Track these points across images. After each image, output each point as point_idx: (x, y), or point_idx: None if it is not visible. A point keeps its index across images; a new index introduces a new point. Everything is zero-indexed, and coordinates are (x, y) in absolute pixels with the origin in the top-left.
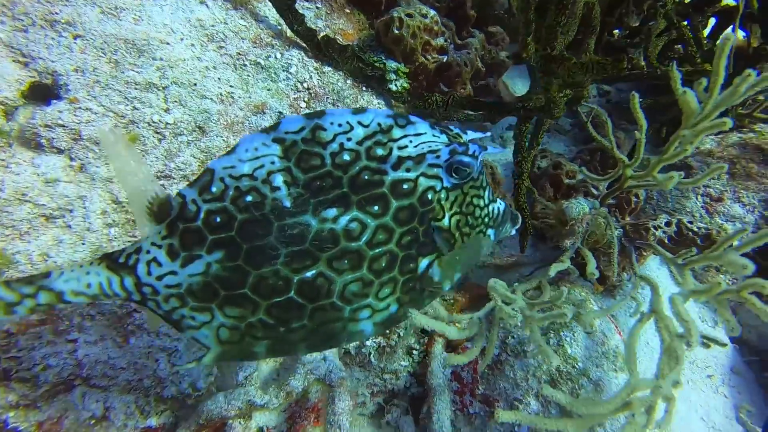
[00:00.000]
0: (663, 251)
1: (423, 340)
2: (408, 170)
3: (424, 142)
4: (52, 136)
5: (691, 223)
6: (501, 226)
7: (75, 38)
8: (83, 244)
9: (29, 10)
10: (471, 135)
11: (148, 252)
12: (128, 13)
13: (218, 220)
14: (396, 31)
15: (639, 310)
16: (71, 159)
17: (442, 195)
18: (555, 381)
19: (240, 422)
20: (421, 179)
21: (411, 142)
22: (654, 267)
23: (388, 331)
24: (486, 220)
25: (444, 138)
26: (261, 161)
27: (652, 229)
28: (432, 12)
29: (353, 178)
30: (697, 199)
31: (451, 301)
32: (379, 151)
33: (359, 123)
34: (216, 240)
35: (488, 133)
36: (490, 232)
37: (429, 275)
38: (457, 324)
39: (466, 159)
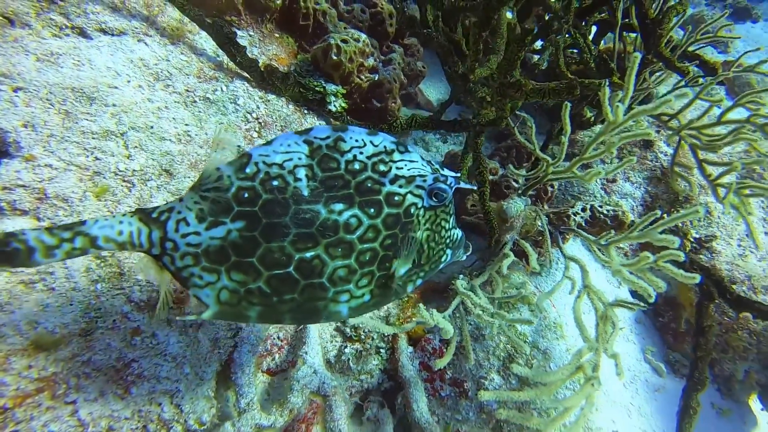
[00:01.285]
0: (586, 234)
1: (388, 338)
2: (400, 186)
3: (415, 168)
4: (12, 198)
5: (600, 207)
6: (456, 250)
7: (15, 91)
8: (71, 304)
9: None
10: (446, 172)
11: (179, 212)
12: (66, 58)
13: (246, 195)
14: (334, 57)
15: (575, 286)
16: (39, 219)
17: (421, 212)
18: (512, 357)
19: None
20: (409, 195)
21: (405, 165)
22: (571, 249)
23: (363, 336)
24: (447, 241)
25: (429, 168)
26: (291, 155)
27: (572, 215)
28: (363, 36)
29: (359, 184)
30: (596, 182)
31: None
32: (382, 167)
33: (371, 142)
34: (241, 211)
35: (458, 174)
36: (448, 251)
37: (401, 275)
38: (428, 319)
39: (444, 187)
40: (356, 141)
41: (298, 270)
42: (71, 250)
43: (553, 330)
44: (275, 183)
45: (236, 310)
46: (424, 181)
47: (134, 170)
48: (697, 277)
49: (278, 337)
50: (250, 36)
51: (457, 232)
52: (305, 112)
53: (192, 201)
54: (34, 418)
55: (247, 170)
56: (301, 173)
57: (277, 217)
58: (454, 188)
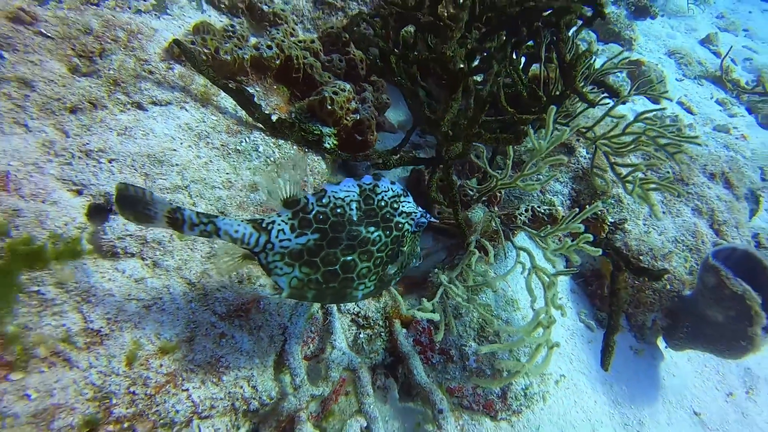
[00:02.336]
0: (529, 229)
1: (386, 323)
2: (403, 218)
3: (410, 206)
4: (124, 245)
5: (539, 207)
6: (417, 260)
7: (110, 162)
8: (178, 320)
9: (66, 146)
10: (422, 211)
11: (279, 225)
12: (136, 130)
13: (321, 217)
14: (329, 107)
15: (525, 268)
16: (143, 259)
17: (408, 235)
18: (483, 327)
19: (302, 413)
20: (406, 224)
21: (406, 205)
22: (520, 240)
23: (372, 323)
24: (415, 253)
25: (415, 207)
26: (349, 193)
27: (517, 216)
28: (347, 86)
29: (383, 215)
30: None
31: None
32: (395, 205)
33: (392, 189)
34: (317, 227)
35: (432, 219)
36: (414, 260)
37: (390, 274)
38: (429, 309)
39: (424, 220)
40: (384, 187)
41: (341, 268)
42: (202, 231)
43: (511, 304)
44: (338, 210)
45: (300, 293)
46: (415, 215)
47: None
48: (599, 251)
49: (311, 331)
50: (257, 91)
51: (419, 247)
52: (306, 150)
53: (287, 217)
54: (166, 401)
55: (323, 200)
56: (354, 205)
57: (337, 233)
58: (428, 221)
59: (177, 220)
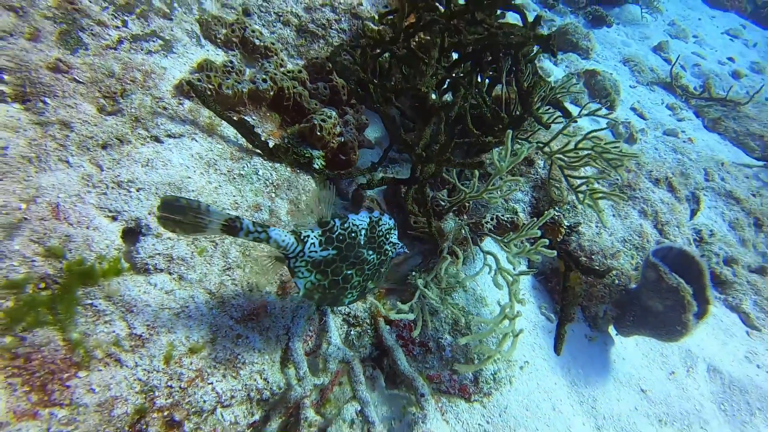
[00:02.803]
0: (494, 236)
1: (372, 321)
2: (390, 246)
3: (395, 238)
4: (154, 262)
5: (502, 216)
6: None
7: (138, 191)
8: (203, 324)
9: (101, 178)
10: (401, 243)
11: (312, 239)
12: (157, 161)
13: (340, 237)
14: (318, 133)
15: (492, 269)
16: (170, 274)
17: (388, 259)
18: (456, 322)
19: (306, 400)
20: (390, 251)
21: (393, 236)
22: (486, 246)
23: (360, 322)
24: (386, 272)
25: (397, 239)
26: (362, 222)
27: (484, 224)
28: (333, 113)
29: (379, 242)
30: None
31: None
32: (388, 236)
33: (388, 223)
34: (336, 245)
35: (405, 250)
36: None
37: (370, 288)
38: (405, 311)
39: (401, 251)
40: (384, 222)
41: (342, 279)
42: (256, 238)
43: (480, 301)
44: (353, 234)
45: (310, 294)
46: (397, 246)
47: None
48: (554, 253)
49: (309, 330)
50: (253, 119)
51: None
52: (298, 172)
53: (318, 234)
54: (196, 393)
55: (345, 225)
56: (363, 232)
57: (349, 252)
58: (403, 252)
59: (235, 227)
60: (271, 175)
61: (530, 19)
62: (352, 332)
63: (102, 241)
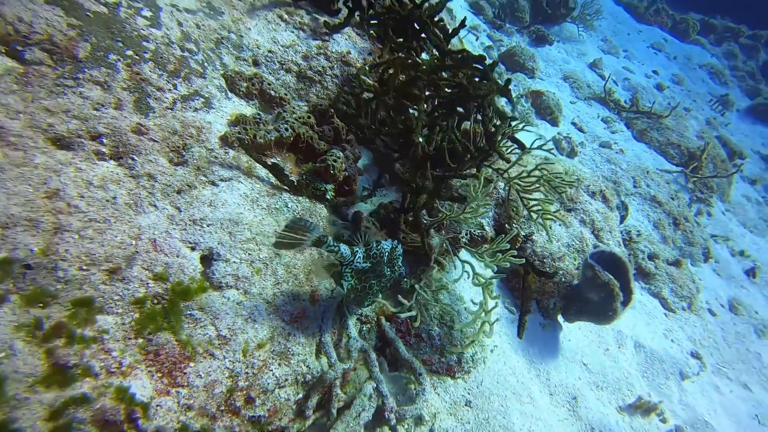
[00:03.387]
0: (469, 248)
1: (376, 319)
2: (397, 267)
3: (402, 261)
4: (227, 281)
5: (474, 231)
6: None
7: (208, 226)
8: (264, 326)
9: (181, 218)
10: (404, 266)
11: (359, 254)
12: (217, 202)
13: (374, 255)
14: (332, 172)
15: (469, 275)
16: (238, 289)
17: (396, 275)
18: (443, 316)
19: (337, 381)
20: (398, 271)
21: (401, 260)
22: (463, 255)
23: (369, 319)
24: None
25: (402, 262)
26: (386, 247)
27: (460, 238)
28: (340, 153)
29: (393, 262)
30: None
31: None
32: (398, 260)
33: (399, 248)
34: (371, 260)
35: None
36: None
37: (379, 296)
38: (407, 308)
39: (402, 271)
40: (399, 249)
41: (368, 286)
42: (330, 249)
43: (459, 300)
44: (380, 254)
45: (349, 294)
46: (402, 268)
47: (264, 257)
48: (522, 261)
49: (333, 327)
50: (278, 160)
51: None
52: (314, 202)
53: (363, 251)
54: (262, 377)
55: (378, 247)
56: (386, 254)
57: (377, 266)
58: (404, 272)
59: (321, 242)
60: (297, 206)
61: (496, 77)
62: (363, 328)
63: (189, 267)
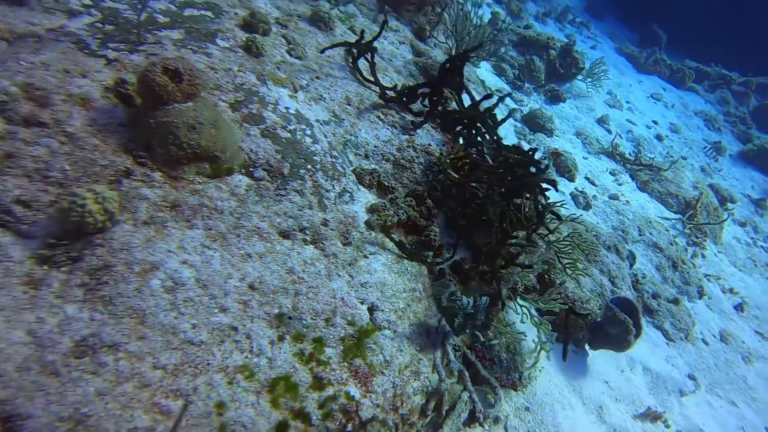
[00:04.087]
0: (525, 296)
1: (461, 346)
2: (483, 310)
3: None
4: (383, 324)
5: (527, 282)
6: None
7: (367, 287)
8: (407, 355)
9: (353, 283)
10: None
11: (470, 303)
12: (371, 270)
13: (476, 306)
14: (434, 243)
15: (525, 316)
16: (389, 329)
17: (481, 316)
18: (509, 345)
19: (446, 392)
20: (482, 315)
21: (486, 305)
22: (519, 300)
23: (458, 347)
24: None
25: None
26: (483, 300)
27: (518, 288)
28: (437, 228)
29: (478, 308)
30: None
31: None
32: (485, 306)
33: (487, 299)
34: (474, 308)
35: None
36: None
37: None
38: (491, 339)
39: (484, 314)
40: (486, 300)
41: (466, 324)
42: (457, 301)
43: (519, 333)
44: (481, 305)
45: (456, 330)
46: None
47: (402, 307)
48: (566, 307)
49: (440, 352)
50: (396, 236)
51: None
52: (420, 264)
53: (472, 301)
54: (407, 387)
55: (480, 299)
56: (482, 305)
57: (476, 312)
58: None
59: (453, 295)
60: (412, 268)
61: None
62: (452, 356)
63: (364, 315)
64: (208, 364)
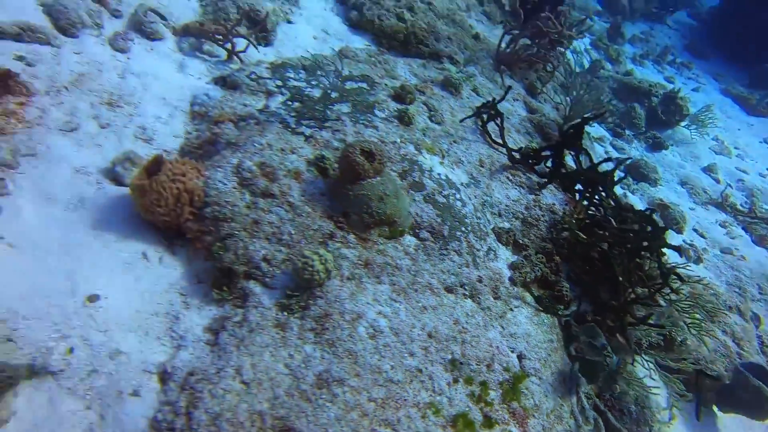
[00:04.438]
0: (650, 351)
1: (592, 395)
2: (614, 365)
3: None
4: (531, 372)
5: (651, 338)
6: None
7: (517, 337)
8: (547, 403)
9: (505, 333)
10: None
11: (608, 358)
12: (517, 321)
13: (608, 360)
14: (565, 298)
15: (652, 371)
16: (536, 376)
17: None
18: (637, 398)
19: None
20: (614, 368)
21: (616, 361)
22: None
23: (590, 396)
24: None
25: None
26: (615, 359)
27: (643, 343)
28: (567, 285)
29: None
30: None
31: None
32: (615, 360)
33: (618, 359)
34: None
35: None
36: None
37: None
38: (618, 389)
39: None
40: (617, 360)
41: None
42: (601, 356)
43: (645, 387)
44: (614, 361)
45: (590, 378)
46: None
47: (544, 356)
48: (699, 367)
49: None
50: (534, 290)
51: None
52: (553, 317)
53: (614, 359)
54: (552, 429)
55: (614, 358)
56: (616, 360)
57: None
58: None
59: (604, 348)
60: (548, 320)
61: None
62: (587, 402)
63: (515, 363)
64: (405, 399)
